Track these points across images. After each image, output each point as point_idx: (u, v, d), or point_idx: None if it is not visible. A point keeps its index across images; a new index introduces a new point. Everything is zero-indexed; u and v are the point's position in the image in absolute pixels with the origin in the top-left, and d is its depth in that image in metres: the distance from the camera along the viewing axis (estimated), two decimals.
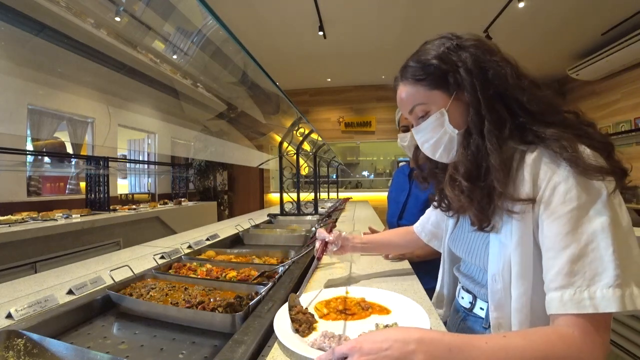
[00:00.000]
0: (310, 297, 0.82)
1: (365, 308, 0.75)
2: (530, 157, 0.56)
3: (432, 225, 0.94)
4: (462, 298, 0.76)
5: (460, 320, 0.75)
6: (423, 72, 0.63)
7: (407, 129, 1.37)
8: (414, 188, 1.43)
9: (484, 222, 0.60)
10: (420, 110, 0.66)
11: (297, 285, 0.96)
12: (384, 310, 0.75)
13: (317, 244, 0.95)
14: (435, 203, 0.81)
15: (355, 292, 0.84)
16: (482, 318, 0.69)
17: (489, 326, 0.63)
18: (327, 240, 0.93)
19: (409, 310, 0.73)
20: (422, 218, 0.98)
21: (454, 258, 0.83)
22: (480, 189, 0.60)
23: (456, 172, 0.64)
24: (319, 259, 0.96)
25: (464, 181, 0.61)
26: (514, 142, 0.58)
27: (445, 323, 0.78)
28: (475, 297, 0.72)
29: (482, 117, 0.59)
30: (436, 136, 0.65)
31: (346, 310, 0.74)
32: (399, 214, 1.43)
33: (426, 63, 0.63)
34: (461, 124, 0.63)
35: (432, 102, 0.64)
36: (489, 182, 0.58)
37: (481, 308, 0.70)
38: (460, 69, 0.60)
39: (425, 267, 1.21)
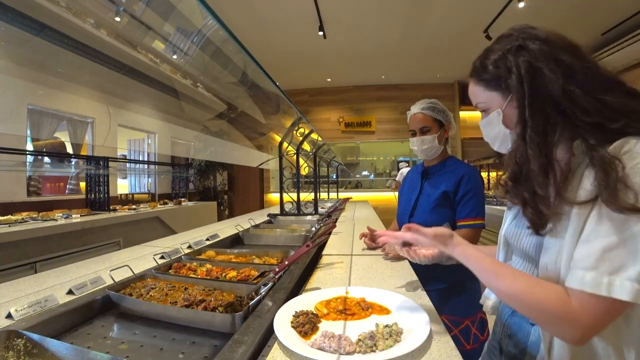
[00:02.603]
0: (311, 297, 0.82)
1: (365, 308, 0.75)
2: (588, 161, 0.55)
3: None
4: None
5: (509, 316, 0.75)
6: (483, 73, 0.68)
7: (414, 133, 1.42)
8: (426, 186, 1.43)
9: (539, 227, 0.59)
10: (481, 107, 0.71)
11: (297, 286, 0.96)
12: (384, 310, 0.75)
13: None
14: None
15: (355, 292, 0.84)
16: None
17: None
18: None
19: (409, 310, 0.72)
20: None
21: (509, 249, 0.82)
22: (529, 193, 0.60)
23: (504, 169, 0.67)
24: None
25: (509, 180, 0.64)
26: (568, 147, 0.58)
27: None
28: None
29: (525, 123, 0.60)
30: (493, 132, 0.70)
31: (346, 310, 0.74)
32: (411, 211, 1.43)
33: (486, 66, 0.67)
34: (512, 125, 0.65)
35: (491, 102, 0.68)
36: (532, 185, 0.59)
37: None
38: (512, 75, 0.61)
39: (425, 266, 1.21)
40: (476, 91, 0.70)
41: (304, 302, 0.78)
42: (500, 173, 0.75)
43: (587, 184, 0.53)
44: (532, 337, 0.67)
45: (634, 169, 0.49)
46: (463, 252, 0.68)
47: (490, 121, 0.69)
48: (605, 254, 0.49)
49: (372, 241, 1.43)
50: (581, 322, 0.49)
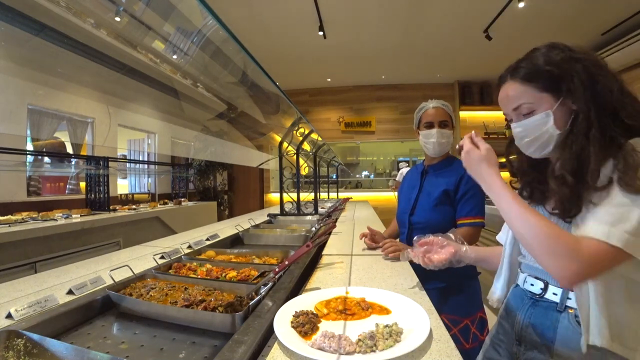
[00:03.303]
0: (311, 297, 0.82)
1: (365, 308, 0.75)
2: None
3: None
4: (532, 285, 0.78)
5: (529, 306, 0.78)
6: (536, 74, 0.71)
7: (431, 125, 1.39)
8: (425, 185, 1.43)
9: (573, 210, 0.66)
10: (526, 109, 0.72)
11: (297, 286, 0.96)
12: (384, 310, 0.75)
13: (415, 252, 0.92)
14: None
15: (355, 292, 0.84)
16: (556, 302, 0.72)
17: (565, 309, 0.70)
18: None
19: (409, 310, 0.72)
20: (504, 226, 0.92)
21: (517, 247, 0.86)
22: (571, 185, 0.67)
23: (562, 168, 0.70)
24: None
25: (570, 176, 0.67)
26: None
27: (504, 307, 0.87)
28: (546, 284, 0.75)
29: (591, 123, 0.65)
30: (536, 134, 0.72)
31: (346, 310, 0.74)
32: (411, 209, 1.43)
33: (541, 67, 0.70)
34: (561, 125, 0.70)
35: (539, 103, 0.71)
36: (586, 178, 0.65)
37: (554, 293, 0.73)
38: (575, 79, 0.67)
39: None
40: (521, 92, 0.72)
41: (304, 302, 0.78)
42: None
43: (607, 171, 0.62)
44: (562, 322, 0.70)
45: None
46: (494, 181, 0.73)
47: (534, 122, 0.71)
48: (613, 215, 0.59)
49: (372, 241, 1.43)
50: (582, 259, 0.59)
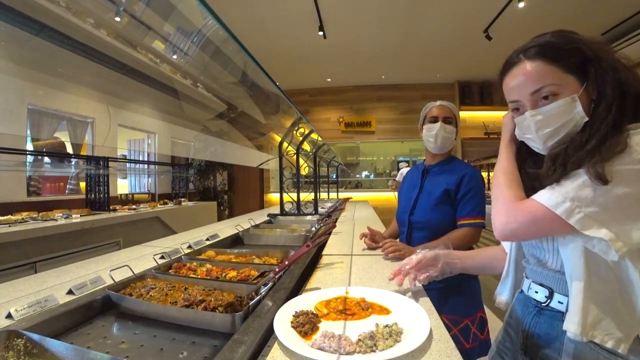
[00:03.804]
0: (311, 297, 0.82)
1: (365, 308, 0.75)
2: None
3: None
4: (536, 292, 0.73)
5: (534, 315, 0.74)
6: (563, 54, 0.64)
7: (435, 119, 1.40)
8: (426, 185, 1.43)
9: (552, 172, 0.65)
10: (548, 92, 0.65)
11: (297, 286, 0.96)
12: (384, 310, 0.75)
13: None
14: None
15: (355, 292, 0.84)
16: (562, 312, 0.67)
17: None
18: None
19: (409, 310, 0.72)
20: None
21: (522, 250, 0.82)
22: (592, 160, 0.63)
23: (565, 150, 0.66)
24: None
25: (569, 151, 0.64)
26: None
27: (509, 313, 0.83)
28: (551, 292, 0.70)
29: (609, 112, 0.61)
30: (561, 121, 0.65)
31: (346, 310, 0.74)
32: (411, 209, 1.43)
33: (570, 46, 0.64)
34: (587, 111, 0.64)
35: (565, 86, 0.64)
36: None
37: (560, 302, 0.68)
38: (602, 62, 0.62)
39: None
40: (545, 72, 0.64)
41: (304, 302, 0.78)
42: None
43: None
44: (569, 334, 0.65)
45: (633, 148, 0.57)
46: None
47: (558, 108, 0.64)
48: (564, 186, 0.60)
49: (372, 241, 1.43)
50: (517, 215, 0.64)
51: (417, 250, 0.91)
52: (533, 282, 0.75)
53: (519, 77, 0.67)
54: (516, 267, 0.82)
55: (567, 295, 0.65)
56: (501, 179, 0.70)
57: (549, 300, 0.70)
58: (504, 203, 0.67)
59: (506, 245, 0.87)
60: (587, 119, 0.63)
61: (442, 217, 1.35)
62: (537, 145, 0.70)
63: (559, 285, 0.69)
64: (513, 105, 0.72)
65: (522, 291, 0.79)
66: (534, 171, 0.72)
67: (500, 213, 0.67)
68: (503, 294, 0.84)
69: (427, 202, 1.39)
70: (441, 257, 0.89)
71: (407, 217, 1.44)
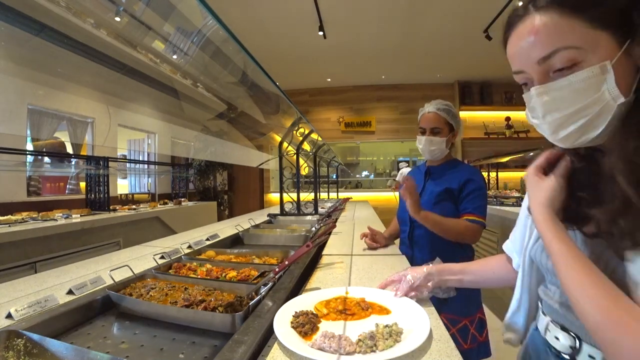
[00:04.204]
0: (311, 297, 0.82)
1: (365, 308, 0.75)
2: None
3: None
4: (557, 339, 0.53)
5: (554, 355, 0.54)
6: (589, 3, 0.42)
7: (423, 131, 1.40)
8: (428, 186, 1.43)
9: (637, 234, 0.39)
10: (565, 58, 0.43)
11: (297, 286, 0.96)
12: (383, 311, 0.75)
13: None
14: None
15: (355, 292, 0.84)
16: None
17: None
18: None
19: (409, 310, 0.72)
20: (512, 234, 0.74)
21: (538, 274, 0.62)
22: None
23: (623, 165, 0.41)
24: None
25: (635, 179, 0.40)
26: None
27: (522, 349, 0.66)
28: (579, 341, 0.50)
29: None
30: (582, 102, 0.43)
31: (346, 310, 0.74)
32: None
33: None
34: (626, 90, 0.42)
35: (591, 49, 0.42)
36: None
37: (591, 356, 0.48)
38: None
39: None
40: (560, 28, 0.43)
41: (304, 302, 0.78)
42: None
43: None
44: None
45: None
46: None
47: (579, 82, 0.43)
48: None
49: (373, 241, 1.43)
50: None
51: (407, 276, 0.80)
52: (552, 322, 0.55)
53: (524, 38, 0.46)
54: (530, 294, 0.63)
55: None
56: (584, 280, 0.42)
57: (575, 354, 0.50)
58: (616, 321, 0.38)
59: (515, 259, 0.70)
60: (622, 99, 0.42)
61: (442, 213, 1.34)
62: (548, 137, 0.50)
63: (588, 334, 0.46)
64: (519, 78, 0.51)
65: (537, 328, 0.61)
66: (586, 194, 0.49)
67: (622, 344, 0.37)
68: (514, 328, 0.66)
69: (429, 199, 1.39)
70: (433, 275, 0.79)
71: (408, 215, 1.44)
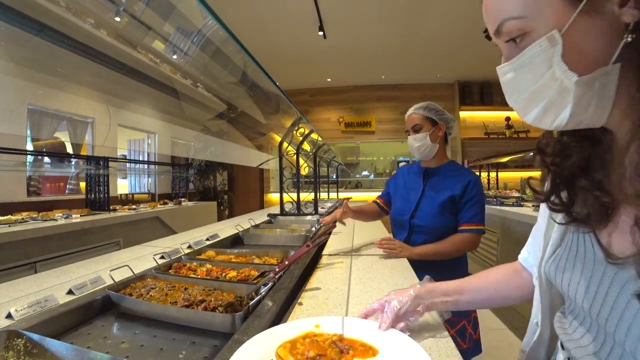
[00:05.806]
0: (272, 336, 0.59)
1: (343, 350, 0.56)
2: None
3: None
4: None
5: None
6: None
7: (408, 132, 1.42)
8: (428, 188, 1.42)
9: None
10: (513, 28, 0.38)
11: (297, 286, 0.96)
12: (368, 351, 0.56)
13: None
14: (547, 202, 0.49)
15: (329, 325, 0.63)
16: None
17: None
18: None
19: (401, 348, 0.55)
20: (528, 243, 0.63)
21: (555, 295, 0.51)
22: None
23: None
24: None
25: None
26: None
27: None
28: None
29: None
30: (537, 81, 0.37)
31: (319, 357, 0.54)
32: (412, 212, 1.41)
33: None
34: (599, 57, 0.34)
35: (537, 16, 0.36)
36: None
37: None
38: None
39: (425, 265, 1.21)
40: None
41: (263, 344, 0.57)
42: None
43: None
44: None
45: None
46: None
47: (529, 57, 0.37)
48: None
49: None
50: None
51: (392, 302, 0.63)
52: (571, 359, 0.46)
53: (483, 11, 0.42)
54: (551, 319, 0.53)
55: None
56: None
57: None
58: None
59: (535, 273, 0.56)
60: (575, 77, 0.35)
61: (444, 222, 1.34)
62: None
63: None
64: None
65: None
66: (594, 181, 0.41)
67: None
68: (539, 356, 0.56)
69: (431, 206, 1.37)
70: (423, 299, 0.64)
71: (406, 220, 1.42)
